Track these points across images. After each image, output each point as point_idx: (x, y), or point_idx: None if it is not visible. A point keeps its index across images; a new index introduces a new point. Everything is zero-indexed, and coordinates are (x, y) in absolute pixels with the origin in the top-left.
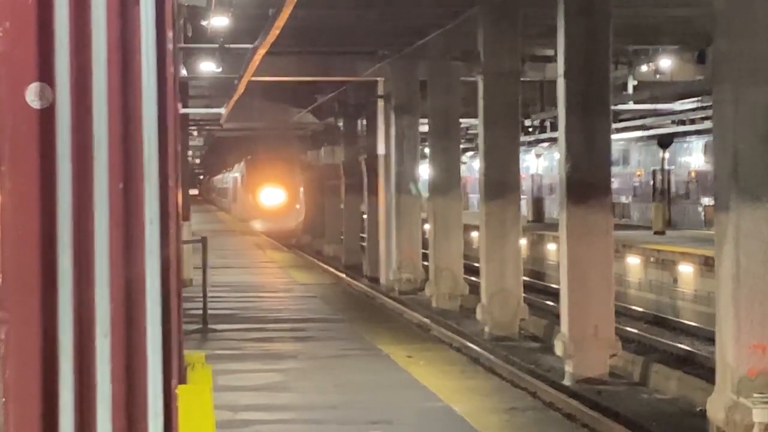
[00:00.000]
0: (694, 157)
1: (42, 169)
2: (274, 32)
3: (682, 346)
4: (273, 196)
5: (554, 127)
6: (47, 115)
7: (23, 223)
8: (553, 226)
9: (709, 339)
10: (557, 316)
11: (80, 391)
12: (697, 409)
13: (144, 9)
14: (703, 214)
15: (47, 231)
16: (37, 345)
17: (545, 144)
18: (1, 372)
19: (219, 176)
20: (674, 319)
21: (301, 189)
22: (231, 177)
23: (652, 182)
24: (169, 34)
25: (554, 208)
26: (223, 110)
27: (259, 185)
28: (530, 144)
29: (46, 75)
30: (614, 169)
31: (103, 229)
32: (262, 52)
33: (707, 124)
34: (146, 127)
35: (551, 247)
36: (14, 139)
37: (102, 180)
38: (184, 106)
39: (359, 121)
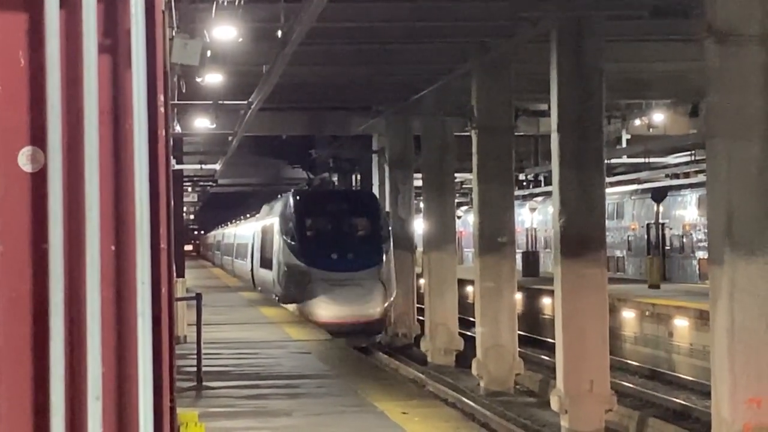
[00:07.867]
0: (688, 210)
1: (34, 232)
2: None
3: (678, 401)
4: (347, 255)
5: (548, 181)
6: (39, 178)
7: (15, 285)
8: (548, 280)
9: (705, 393)
10: (553, 370)
11: None
12: None
13: (135, 73)
14: (697, 267)
15: (39, 293)
16: (29, 409)
17: (540, 198)
18: None
19: (225, 229)
20: (670, 373)
21: (390, 244)
22: (255, 228)
23: (646, 236)
24: (161, 97)
25: (550, 262)
26: (217, 166)
27: (322, 236)
28: (525, 198)
29: (37, 139)
30: (608, 223)
31: (94, 291)
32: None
33: (701, 178)
34: (138, 189)
35: (546, 301)
36: (6, 203)
37: (94, 242)
38: (179, 163)
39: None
